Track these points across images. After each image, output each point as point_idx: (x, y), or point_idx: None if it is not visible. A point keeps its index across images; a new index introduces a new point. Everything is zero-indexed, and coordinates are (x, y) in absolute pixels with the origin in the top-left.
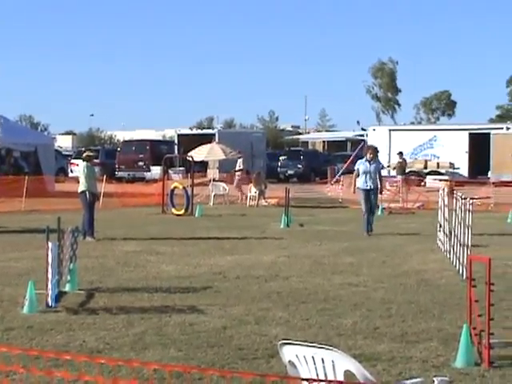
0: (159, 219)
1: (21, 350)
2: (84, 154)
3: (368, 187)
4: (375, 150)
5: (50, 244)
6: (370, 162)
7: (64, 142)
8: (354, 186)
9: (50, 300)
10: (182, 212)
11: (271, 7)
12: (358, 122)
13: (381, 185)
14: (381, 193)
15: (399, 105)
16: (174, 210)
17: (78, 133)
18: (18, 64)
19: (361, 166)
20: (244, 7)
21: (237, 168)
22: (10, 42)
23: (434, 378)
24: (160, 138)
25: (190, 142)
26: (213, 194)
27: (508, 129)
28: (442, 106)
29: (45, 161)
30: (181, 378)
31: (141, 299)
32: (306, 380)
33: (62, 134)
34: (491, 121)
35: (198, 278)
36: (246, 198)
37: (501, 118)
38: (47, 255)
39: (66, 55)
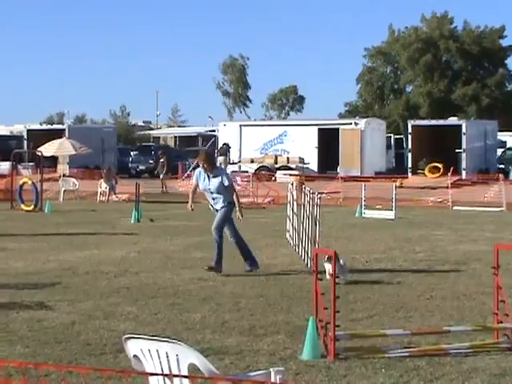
0: (7, 215)
1: None
2: None
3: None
4: (209, 157)
5: None
6: (209, 175)
7: None
8: (191, 201)
9: None
10: (31, 208)
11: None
12: (210, 118)
13: (238, 203)
14: (241, 215)
15: (250, 101)
16: (22, 206)
17: None
18: None
19: (200, 180)
20: (95, 1)
21: None
22: None
23: (271, 369)
24: (9, 133)
25: (40, 137)
26: (63, 189)
27: (356, 124)
28: (289, 102)
29: None
30: (27, 375)
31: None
32: (151, 374)
33: None
34: (340, 116)
35: (47, 274)
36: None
37: (350, 114)
38: None
39: None
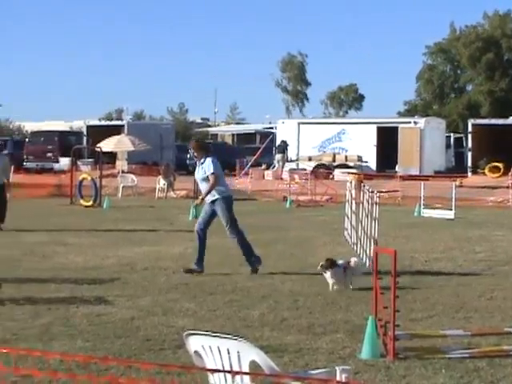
0: (67, 210)
1: None
2: None
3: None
4: (198, 144)
5: None
6: (201, 162)
7: None
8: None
9: None
10: (90, 203)
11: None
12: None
13: (205, 192)
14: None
15: (308, 98)
16: (82, 202)
17: None
18: None
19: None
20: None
21: None
22: None
23: (337, 368)
24: (68, 129)
25: (99, 133)
26: (121, 185)
27: (415, 123)
28: (349, 100)
29: None
30: (88, 369)
31: (48, 290)
32: (212, 370)
33: None
34: (399, 115)
35: (106, 270)
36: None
37: (409, 113)
38: None
39: None
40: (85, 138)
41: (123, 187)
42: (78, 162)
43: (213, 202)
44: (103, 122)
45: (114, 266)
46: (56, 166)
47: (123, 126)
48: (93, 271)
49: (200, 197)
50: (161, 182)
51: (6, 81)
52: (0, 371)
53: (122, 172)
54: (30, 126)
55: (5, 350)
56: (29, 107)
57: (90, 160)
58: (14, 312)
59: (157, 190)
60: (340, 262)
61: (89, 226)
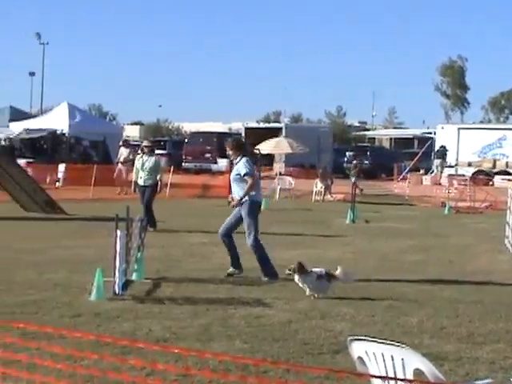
0: (225, 211)
1: (94, 336)
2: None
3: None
4: (234, 143)
5: (118, 232)
6: (235, 162)
7: (132, 132)
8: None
9: (117, 288)
10: None
11: (339, 3)
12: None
13: (246, 191)
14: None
15: (468, 103)
16: None
17: (146, 123)
18: (89, 53)
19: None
20: (315, 4)
21: None
22: (81, 34)
23: (511, 379)
24: (227, 131)
25: (257, 135)
26: (279, 187)
27: None
28: (510, 106)
29: (113, 150)
30: (246, 370)
31: (206, 290)
32: (375, 377)
33: (130, 124)
34: None
35: None
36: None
37: None
38: (115, 243)
39: (134, 47)
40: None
41: (280, 189)
42: None
43: (241, 204)
44: (261, 125)
45: None
46: (214, 166)
47: (281, 128)
48: (250, 272)
49: (235, 199)
50: (318, 185)
51: (166, 82)
52: (159, 369)
53: (280, 174)
54: (188, 127)
55: (176, 350)
56: (187, 108)
57: None
58: (173, 311)
59: (314, 193)
60: (317, 269)
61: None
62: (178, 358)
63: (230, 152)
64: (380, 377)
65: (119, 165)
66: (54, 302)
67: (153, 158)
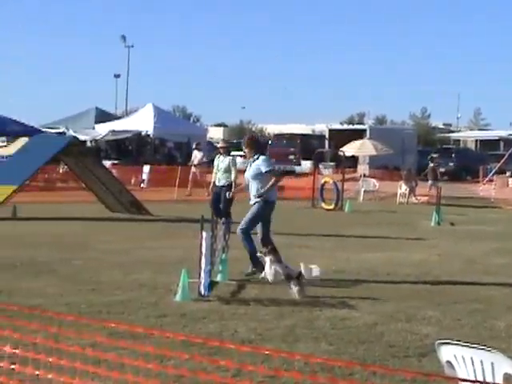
0: (309, 213)
1: (183, 336)
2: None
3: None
4: (251, 141)
5: (204, 233)
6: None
7: (215, 134)
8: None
9: (202, 289)
10: (331, 207)
11: (419, 4)
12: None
13: (267, 188)
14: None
15: None
16: (323, 205)
17: (229, 125)
18: (173, 55)
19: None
20: (394, 5)
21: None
22: (166, 36)
23: None
24: (311, 133)
25: (341, 137)
26: (363, 189)
27: None
28: None
29: None
30: (332, 372)
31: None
32: (464, 381)
33: (214, 126)
34: None
35: (348, 273)
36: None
37: None
38: (201, 244)
39: (219, 48)
40: (326, 142)
41: (364, 191)
42: (320, 166)
43: (254, 202)
44: (345, 126)
45: (355, 269)
46: (298, 168)
47: (365, 130)
48: (335, 274)
49: (255, 195)
50: (402, 187)
51: (250, 83)
52: (247, 370)
53: (364, 176)
54: (271, 129)
55: (267, 352)
56: (271, 109)
57: (332, 163)
58: (259, 312)
59: (398, 195)
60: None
61: (330, 229)
62: (265, 359)
63: (246, 150)
64: (469, 381)
65: (193, 167)
66: (139, 303)
67: (227, 159)
